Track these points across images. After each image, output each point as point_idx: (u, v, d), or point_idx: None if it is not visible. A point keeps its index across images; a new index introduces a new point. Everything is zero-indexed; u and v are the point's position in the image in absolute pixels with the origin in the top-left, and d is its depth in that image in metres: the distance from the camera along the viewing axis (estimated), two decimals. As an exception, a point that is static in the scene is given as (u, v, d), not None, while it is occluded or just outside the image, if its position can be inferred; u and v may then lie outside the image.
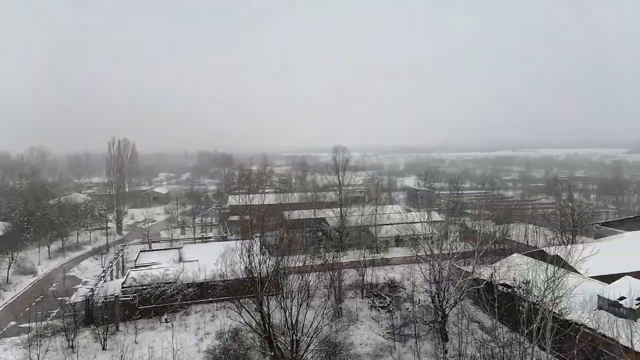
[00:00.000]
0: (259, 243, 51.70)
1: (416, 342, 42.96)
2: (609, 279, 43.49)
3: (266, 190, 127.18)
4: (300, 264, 45.22)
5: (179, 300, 52.68)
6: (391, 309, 51.96)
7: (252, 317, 37.39)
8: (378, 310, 52.98)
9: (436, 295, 43.19)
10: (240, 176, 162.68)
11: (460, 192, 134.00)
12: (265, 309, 36.98)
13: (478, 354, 36.97)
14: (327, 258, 57.72)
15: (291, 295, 36.05)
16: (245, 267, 39.63)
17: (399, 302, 54.09)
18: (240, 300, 38.40)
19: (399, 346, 43.52)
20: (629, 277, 40.75)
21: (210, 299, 54.51)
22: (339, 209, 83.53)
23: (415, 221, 70.20)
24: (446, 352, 40.46)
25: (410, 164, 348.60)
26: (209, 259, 54.25)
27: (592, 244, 53.08)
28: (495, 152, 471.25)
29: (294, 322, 34.59)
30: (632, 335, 28.45)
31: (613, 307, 36.79)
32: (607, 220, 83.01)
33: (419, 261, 48.05)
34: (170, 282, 53.41)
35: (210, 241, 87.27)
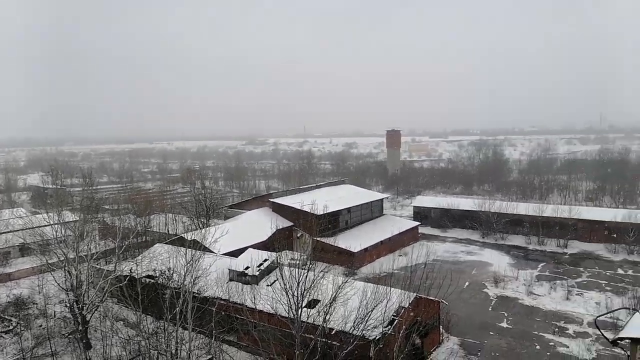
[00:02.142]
0: None
1: (53, 361, 37.99)
2: (237, 253, 50.63)
3: None
4: None
5: None
6: (19, 330, 43.82)
7: None
8: (1, 336, 43.73)
9: (74, 303, 39.30)
10: None
11: (96, 187, 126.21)
12: None
13: (124, 352, 36.08)
14: None
15: None
16: None
17: (30, 320, 46.29)
18: None
19: (32, 372, 37.39)
20: (251, 249, 48.58)
21: None
22: None
23: (44, 224, 61.28)
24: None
25: (35, 158, 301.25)
26: None
27: (222, 226, 60.40)
28: (132, 145, 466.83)
29: None
30: (255, 298, 34.14)
31: (241, 276, 43.11)
32: (233, 202, 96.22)
33: (52, 269, 42.35)
34: None
35: None
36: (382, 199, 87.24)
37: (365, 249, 66.70)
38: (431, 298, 38.27)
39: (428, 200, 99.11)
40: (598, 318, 25.88)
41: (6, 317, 47.39)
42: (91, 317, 40.59)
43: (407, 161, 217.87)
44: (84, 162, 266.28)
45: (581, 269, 63.43)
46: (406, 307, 34.14)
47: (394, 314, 33.57)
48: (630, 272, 60.96)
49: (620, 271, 62.06)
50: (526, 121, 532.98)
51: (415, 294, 34.96)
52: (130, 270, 43.57)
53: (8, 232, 71.91)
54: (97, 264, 46.96)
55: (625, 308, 39.93)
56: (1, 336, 43.79)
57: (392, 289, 33.32)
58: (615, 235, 72.32)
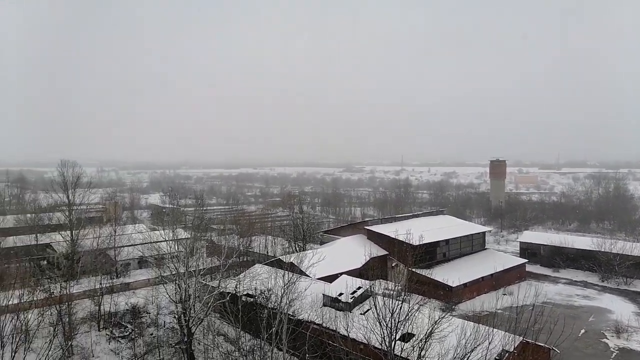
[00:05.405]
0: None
1: (161, 368, 40.96)
2: (331, 278, 50.98)
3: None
4: (17, 301, 37.42)
5: None
6: (133, 337, 48.16)
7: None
8: (118, 341, 48.33)
9: (182, 315, 42.27)
10: None
11: (206, 208, 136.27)
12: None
13: (224, 367, 37.81)
14: (53, 290, 49.59)
15: (2, 341, 29.37)
16: None
17: (143, 328, 50.64)
18: None
19: (142, 376, 40.65)
20: (345, 275, 48.60)
21: None
22: (69, 231, 73.12)
23: (160, 240, 67.46)
24: (192, 371, 39.87)
25: (156, 180, 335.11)
26: None
27: (318, 251, 61.39)
28: (238, 169, 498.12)
29: (5, 374, 28.24)
30: (348, 325, 33.94)
31: (334, 302, 43.21)
32: (329, 228, 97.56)
33: (164, 282, 46.20)
34: None
35: None
36: (484, 232, 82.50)
37: (465, 284, 63.18)
38: (540, 344, 34.86)
39: (537, 236, 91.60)
40: None
41: (123, 323, 52.39)
42: (196, 329, 43.27)
43: (512, 193, 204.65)
44: (196, 185, 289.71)
45: None
46: (511, 351, 31.52)
47: (497, 358, 31.15)
48: None
49: None
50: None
51: (521, 337, 32.12)
52: (235, 286, 45.87)
53: (130, 245, 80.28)
54: (204, 280, 50.20)
55: None
56: (118, 340, 48.40)
57: (495, 330, 31.00)
58: None
